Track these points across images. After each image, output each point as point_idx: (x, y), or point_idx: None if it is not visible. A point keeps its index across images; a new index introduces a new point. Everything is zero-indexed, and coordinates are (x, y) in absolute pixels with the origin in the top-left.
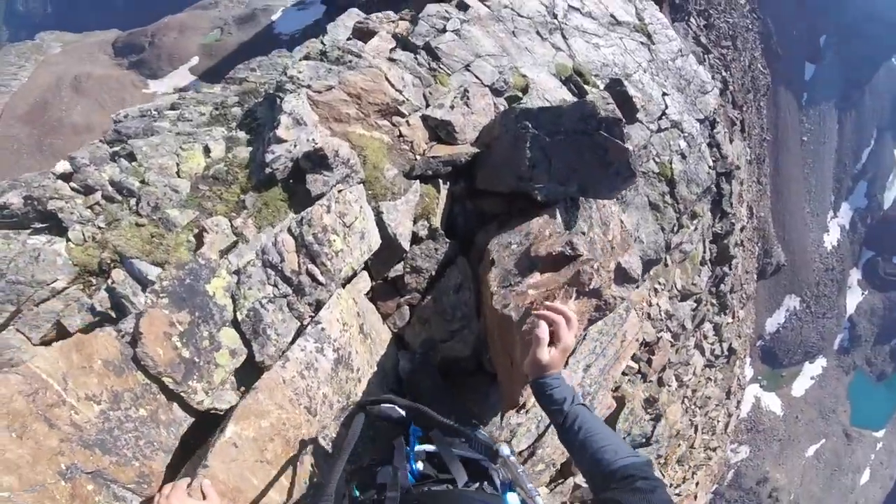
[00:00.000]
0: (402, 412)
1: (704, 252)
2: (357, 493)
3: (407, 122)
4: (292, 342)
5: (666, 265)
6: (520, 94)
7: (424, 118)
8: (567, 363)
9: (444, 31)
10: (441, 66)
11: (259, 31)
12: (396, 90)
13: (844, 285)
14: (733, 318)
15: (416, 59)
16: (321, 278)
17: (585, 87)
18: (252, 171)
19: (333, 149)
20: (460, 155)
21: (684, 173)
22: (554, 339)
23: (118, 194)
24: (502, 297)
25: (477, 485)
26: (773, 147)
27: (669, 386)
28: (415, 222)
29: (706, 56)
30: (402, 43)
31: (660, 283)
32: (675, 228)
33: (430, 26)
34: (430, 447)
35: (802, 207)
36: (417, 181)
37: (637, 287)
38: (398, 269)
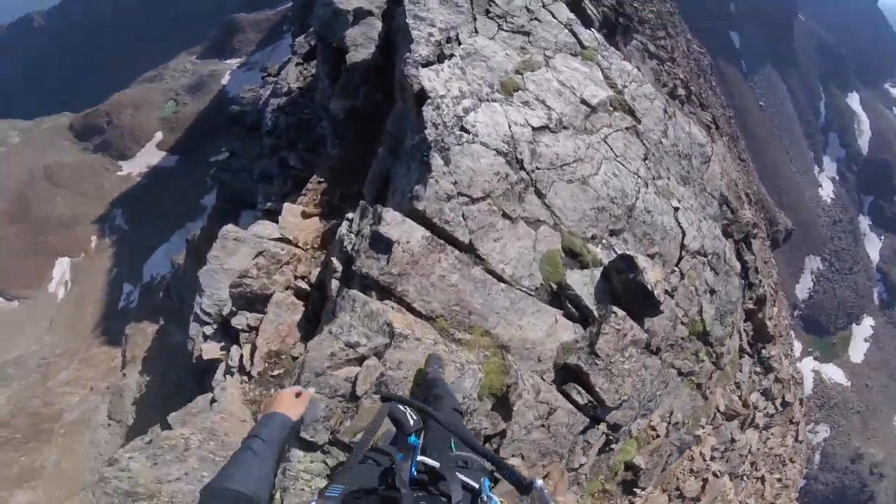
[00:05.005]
0: (412, 421)
1: (741, 340)
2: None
3: None
4: None
5: (706, 398)
6: (503, 425)
7: None
8: None
9: (353, 397)
10: None
11: (212, 96)
12: None
13: (858, 234)
14: (773, 334)
15: None
16: None
17: (583, 272)
18: None
19: None
20: None
21: (717, 311)
22: None
23: None
24: None
25: None
26: (737, 120)
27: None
28: None
29: (662, 68)
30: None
31: (700, 427)
32: (712, 373)
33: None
34: (430, 461)
35: (789, 168)
36: None
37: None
38: None
